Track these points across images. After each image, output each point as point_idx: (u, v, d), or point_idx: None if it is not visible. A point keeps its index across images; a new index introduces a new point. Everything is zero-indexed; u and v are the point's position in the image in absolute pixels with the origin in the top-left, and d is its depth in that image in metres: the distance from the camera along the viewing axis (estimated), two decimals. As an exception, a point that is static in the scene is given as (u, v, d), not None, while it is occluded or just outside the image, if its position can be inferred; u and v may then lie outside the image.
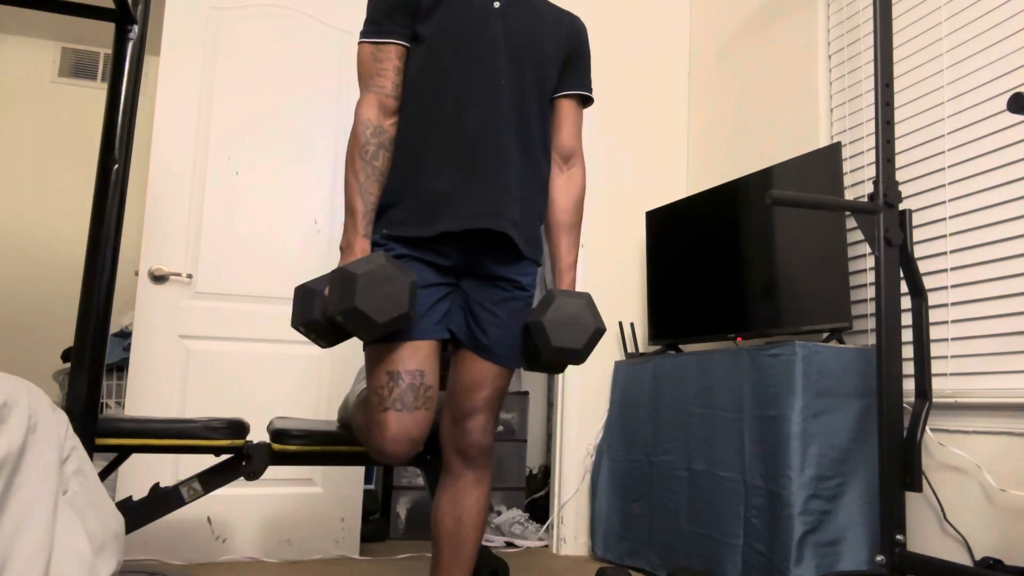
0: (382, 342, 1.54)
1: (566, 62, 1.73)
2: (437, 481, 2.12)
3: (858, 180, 2.46)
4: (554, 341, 1.54)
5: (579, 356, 1.58)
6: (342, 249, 1.57)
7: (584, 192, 1.79)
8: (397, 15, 1.60)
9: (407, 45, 1.62)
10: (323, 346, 1.56)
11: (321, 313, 1.50)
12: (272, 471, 2.20)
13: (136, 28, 1.65)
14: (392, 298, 1.42)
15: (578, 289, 1.73)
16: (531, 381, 4.09)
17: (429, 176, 1.58)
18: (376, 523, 3.17)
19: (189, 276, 2.77)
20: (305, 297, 1.53)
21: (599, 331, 1.57)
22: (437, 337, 1.59)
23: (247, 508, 2.75)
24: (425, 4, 1.60)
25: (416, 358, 1.54)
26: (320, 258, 2.96)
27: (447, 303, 1.62)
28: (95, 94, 4.34)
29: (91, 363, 1.56)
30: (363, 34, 1.62)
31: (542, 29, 1.68)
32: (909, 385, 2.05)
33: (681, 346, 2.96)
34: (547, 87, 1.70)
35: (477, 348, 1.62)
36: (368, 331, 1.43)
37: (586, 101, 1.80)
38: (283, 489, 2.79)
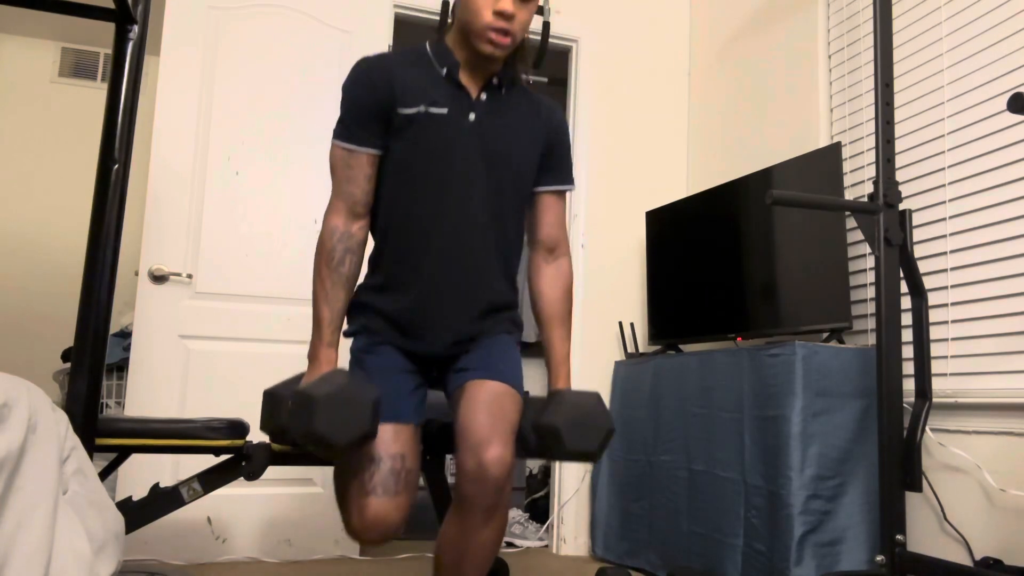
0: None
1: (545, 157, 1.71)
2: (437, 481, 2.13)
3: (858, 180, 2.46)
4: (569, 445, 1.50)
5: (594, 458, 1.55)
6: (309, 358, 1.57)
7: (572, 282, 1.77)
8: (370, 125, 1.58)
9: (379, 153, 1.61)
10: (294, 449, 1.57)
11: (286, 425, 1.50)
12: (272, 471, 2.20)
13: (136, 28, 1.65)
14: (353, 419, 1.40)
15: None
16: (531, 381, 4.09)
17: (394, 295, 1.62)
18: (376, 523, 3.17)
19: (189, 276, 2.77)
20: (272, 404, 1.54)
21: (612, 431, 1.55)
22: (417, 422, 1.59)
23: (247, 508, 2.75)
24: (398, 120, 1.57)
25: (398, 442, 1.53)
26: (320, 258, 2.96)
27: (424, 390, 1.66)
28: (95, 94, 4.34)
29: (91, 363, 1.55)
30: (336, 135, 1.60)
31: (518, 135, 1.66)
32: (909, 385, 2.05)
33: (681, 346, 2.96)
34: (524, 191, 1.70)
35: (475, 371, 1.59)
36: (330, 452, 1.43)
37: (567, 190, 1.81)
38: (283, 489, 2.79)
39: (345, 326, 1.67)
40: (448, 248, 1.60)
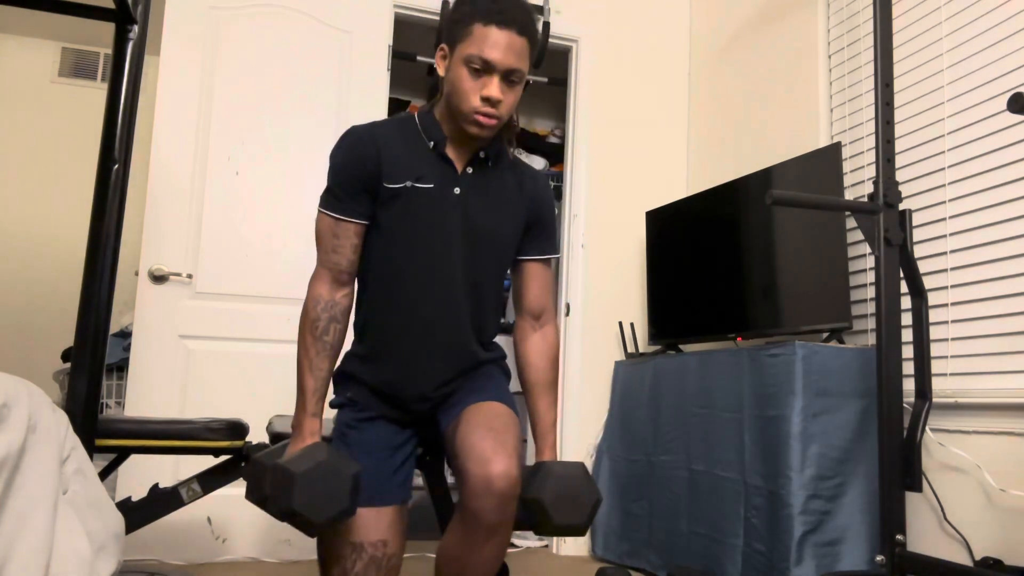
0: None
1: (529, 228, 1.72)
2: (437, 481, 2.12)
3: (858, 180, 2.46)
4: (556, 520, 1.50)
5: (581, 531, 1.55)
6: (292, 428, 1.57)
7: (558, 349, 1.77)
8: (358, 195, 1.58)
9: (366, 223, 1.62)
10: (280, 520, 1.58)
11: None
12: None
13: (136, 28, 1.65)
14: (332, 496, 1.40)
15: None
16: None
17: (377, 365, 1.64)
18: (376, 523, 3.17)
19: (189, 276, 2.77)
20: (257, 474, 1.53)
21: (598, 502, 1.55)
22: (401, 501, 1.59)
23: (247, 508, 2.74)
24: (385, 194, 1.58)
25: (380, 527, 1.52)
26: (320, 258, 2.96)
27: (412, 459, 1.67)
28: (95, 94, 4.34)
29: (91, 363, 1.55)
30: (323, 204, 1.60)
31: (502, 209, 1.67)
32: (909, 385, 2.05)
33: (681, 346, 2.96)
34: (505, 262, 1.72)
35: (467, 403, 1.60)
36: (308, 530, 1.42)
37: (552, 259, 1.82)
38: (283, 489, 2.79)
39: (331, 395, 1.67)
40: (429, 321, 1.61)
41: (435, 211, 1.60)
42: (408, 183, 1.58)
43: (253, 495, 1.53)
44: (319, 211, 1.61)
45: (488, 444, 1.44)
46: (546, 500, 1.48)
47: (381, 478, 1.56)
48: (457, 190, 1.61)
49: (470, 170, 1.63)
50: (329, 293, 1.59)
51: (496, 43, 1.48)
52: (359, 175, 1.58)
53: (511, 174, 1.71)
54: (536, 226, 1.73)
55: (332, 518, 1.41)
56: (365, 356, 1.66)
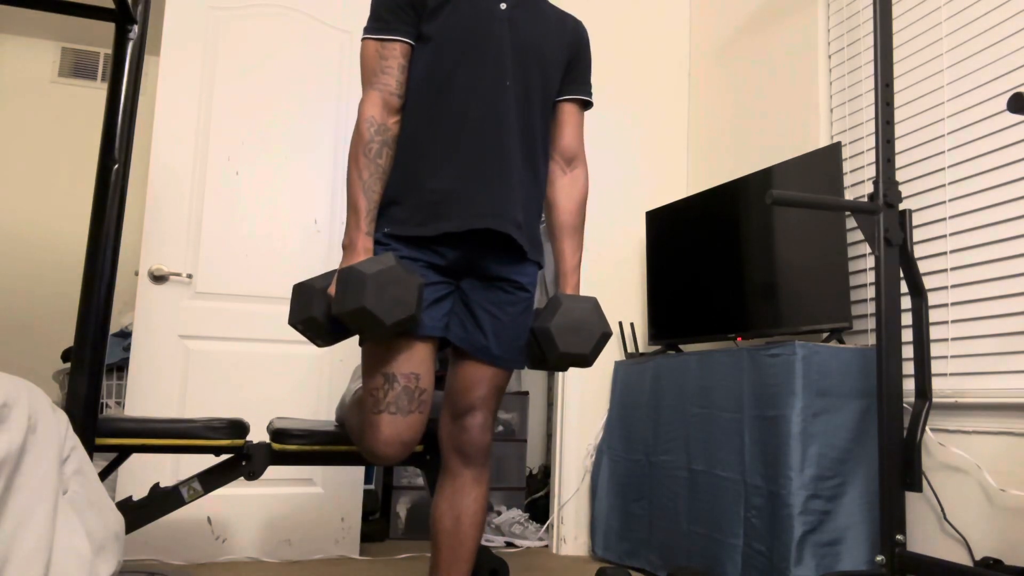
0: (379, 341, 1.53)
1: (569, 66, 1.73)
2: (437, 480, 2.13)
3: (858, 180, 2.46)
4: (561, 347, 1.53)
5: (587, 361, 1.58)
6: (344, 247, 1.55)
7: (587, 194, 1.80)
8: (403, 13, 1.59)
9: (412, 43, 1.62)
10: (320, 345, 1.55)
11: (322, 312, 1.49)
12: (272, 471, 2.20)
13: (136, 28, 1.65)
14: (401, 300, 1.41)
15: (579, 290, 1.73)
16: (531, 381, 4.09)
17: (431, 175, 1.58)
18: (376, 523, 3.17)
19: (189, 276, 2.77)
20: (305, 295, 1.52)
21: (605, 335, 1.57)
22: (435, 335, 1.58)
23: (247, 508, 2.75)
24: (432, 3, 1.59)
25: (412, 360, 1.54)
26: (320, 258, 2.96)
27: (447, 303, 1.62)
28: (95, 94, 4.34)
29: (91, 363, 1.55)
30: (368, 30, 1.61)
31: (547, 33, 1.68)
32: (909, 385, 2.05)
33: (681, 346, 2.96)
34: (551, 90, 1.71)
35: (476, 350, 1.62)
36: (376, 332, 1.43)
37: (587, 105, 1.81)
38: (283, 489, 2.79)
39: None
40: (482, 129, 1.59)
41: (482, 21, 1.60)
42: None
43: (298, 316, 1.52)
44: (364, 39, 1.61)
45: (465, 401, 1.63)
46: (552, 328, 1.53)
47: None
48: (503, 5, 1.62)
49: None
50: (382, 116, 1.58)
51: None
52: None
53: (551, 10, 1.73)
54: (577, 64, 1.75)
55: (401, 321, 1.42)
56: (413, 173, 1.59)
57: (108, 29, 1.67)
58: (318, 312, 1.49)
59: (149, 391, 2.69)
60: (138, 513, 1.92)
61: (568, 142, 1.76)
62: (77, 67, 4.33)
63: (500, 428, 3.55)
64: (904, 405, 1.92)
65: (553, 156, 1.76)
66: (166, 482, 2.04)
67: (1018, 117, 1.98)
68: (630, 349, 3.14)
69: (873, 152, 2.42)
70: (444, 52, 1.59)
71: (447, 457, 1.66)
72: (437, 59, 1.60)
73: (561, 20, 1.73)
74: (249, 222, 2.88)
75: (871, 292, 2.37)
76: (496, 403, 1.67)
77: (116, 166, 1.62)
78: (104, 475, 1.89)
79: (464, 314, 1.63)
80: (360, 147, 1.56)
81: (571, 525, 3.06)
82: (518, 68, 1.62)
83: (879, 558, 1.84)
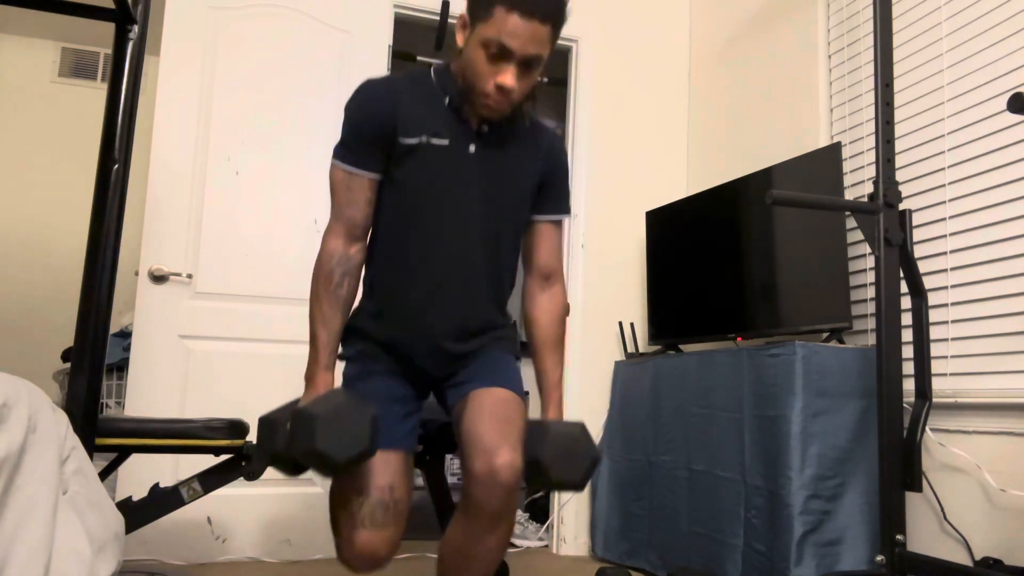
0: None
1: (543, 186, 1.71)
2: (437, 481, 2.12)
3: (858, 180, 2.46)
4: (554, 476, 1.51)
5: (579, 487, 1.56)
6: (306, 380, 1.57)
7: (566, 309, 1.76)
8: (372, 149, 1.57)
9: (379, 177, 1.61)
10: (289, 476, 1.57)
11: (284, 447, 1.50)
12: (272, 471, 2.19)
13: (136, 28, 1.65)
14: (353, 436, 1.41)
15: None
16: (531, 382, 4.08)
17: (393, 320, 1.63)
18: (376, 523, 3.17)
19: (189, 276, 2.77)
20: (268, 430, 1.54)
21: (596, 460, 1.56)
22: (407, 448, 1.58)
23: (247, 508, 2.74)
24: (400, 149, 1.57)
25: (387, 472, 1.52)
26: (320, 258, 2.96)
27: (417, 417, 1.65)
28: (95, 94, 4.33)
29: (91, 363, 1.55)
30: (336, 155, 1.59)
31: (516, 167, 1.65)
32: (909, 385, 2.05)
33: (681, 346, 2.96)
34: (520, 222, 1.70)
35: (474, 386, 1.59)
36: (330, 470, 1.43)
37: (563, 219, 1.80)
38: (283, 489, 2.79)
39: (340, 349, 1.67)
40: (441, 278, 1.60)
41: (450, 168, 1.58)
42: (423, 138, 1.56)
43: (265, 451, 1.53)
44: (333, 162, 1.60)
45: (494, 435, 1.43)
46: (544, 458, 1.50)
47: (387, 424, 1.55)
48: (472, 148, 1.60)
49: (485, 128, 1.61)
50: (344, 247, 1.59)
51: (516, 32, 1.43)
52: (373, 128, 1.56)
53: (526, 130, 1.69)
54: (550, 185, 1.71)
55: (354, 458, 1.41)
56: (376, 312, 1.65)
57: (108, 29, 1.67)
58: (282, 448, 1.51)
59: (149, 391, 2.69)
60: (138, 513, 1.92)
61: (545, 259, 1.74)
62: (77, 67, 4.33)
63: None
64: (904, 405, 1.92)
65: (531, 273, 1.74)
66: (166, 482, 2.03)
67: (1018, 117, 1.98)
68: (630, 349, 3.14)
69: (873, 152, 2.42)
70: (409, 201, 1.59)
71: (469, 492, 1.46)
72: (402, 207, 1.60)
73: (534, 140, 1.69)
74: (249, 222, 2.88)
75: (871, 292, 2.37)
76: (519, 436, 1.49)
77: (116, 166, 1.62)
78: (104, 475, 1.89)
79: (446, 388, 1.66)
80: (321, 279, 1.58)
81: (571, 525, 3.06)
82: (485, 210, 1.61)
83: (879, 558, 1.84)
